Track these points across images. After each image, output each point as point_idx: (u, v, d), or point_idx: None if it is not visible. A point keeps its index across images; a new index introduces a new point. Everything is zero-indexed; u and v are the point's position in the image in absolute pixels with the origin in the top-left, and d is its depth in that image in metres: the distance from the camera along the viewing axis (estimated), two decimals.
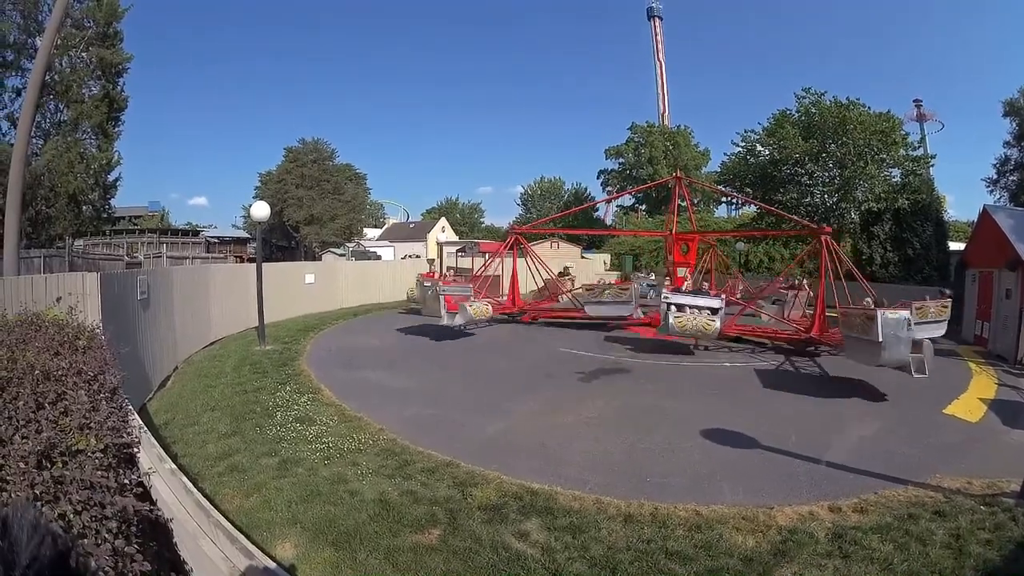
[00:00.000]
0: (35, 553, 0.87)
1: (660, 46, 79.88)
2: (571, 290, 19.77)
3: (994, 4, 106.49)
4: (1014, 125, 28.47)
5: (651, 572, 4.53)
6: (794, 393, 10.43)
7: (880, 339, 9.75)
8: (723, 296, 14.09)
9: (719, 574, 4.51)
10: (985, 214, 16.55)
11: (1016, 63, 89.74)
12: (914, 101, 53.07)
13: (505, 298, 19.08)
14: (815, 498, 5.83)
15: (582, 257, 40.27)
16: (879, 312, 9.99)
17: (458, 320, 14.71)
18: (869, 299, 11.76)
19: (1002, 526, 5.24)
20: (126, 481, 3.12)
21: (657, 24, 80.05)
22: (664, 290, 15.09)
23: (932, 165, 30.20)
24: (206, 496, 5.44)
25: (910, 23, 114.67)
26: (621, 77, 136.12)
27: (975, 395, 10.37)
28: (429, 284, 15.44)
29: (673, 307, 12.88)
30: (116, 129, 24.42)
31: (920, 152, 30.71)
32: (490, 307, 15.84)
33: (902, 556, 4.75)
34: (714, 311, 12.81)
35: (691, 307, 12.90)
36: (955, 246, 26.80)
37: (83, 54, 23.09)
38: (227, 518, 4.93)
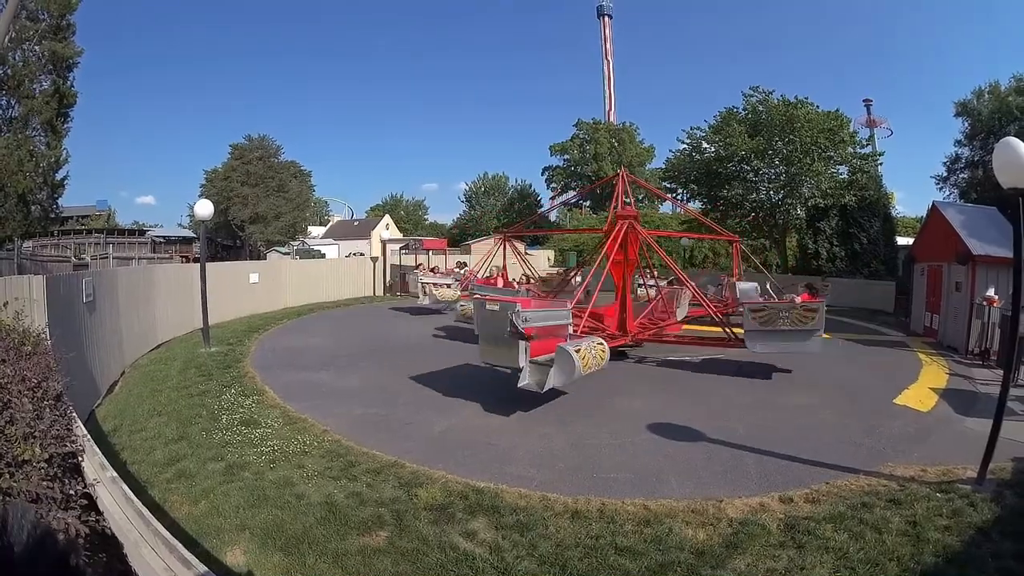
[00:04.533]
0: (35, 553, 0.85)
1: (609, 44, 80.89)
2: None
3: (949, 9, 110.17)
4: (966, 125, 29.39)
5: (601, 568, 4.50)
6: (737, 386, 10.57)
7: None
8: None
9: (671, 568, 4.49)
10: (934, 210, 17.00)
11: (969, 65, 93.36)
12: (864, 101, 54.49)
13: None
14: (765, 489, 5.87)
15: (526, 253, 40.45)
16: (475, 301, 8.99)
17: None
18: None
19: (960, 512, 5.28)
20: (71, 492, 3.03)
21: (606, 22, 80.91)
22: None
23: (880, 163, 30.84)
24: (155, 503, 5.37)
25: (866, 22, 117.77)
26: (568, 74, 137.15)
27: (926, 385, 10.58)
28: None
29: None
30: (65, 126, 23.60)
31: (868, 150, 31.29)
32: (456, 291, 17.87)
33: (858, 545, 4.76)
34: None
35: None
36: (904, 241, 27.57)
37: (36, 47, 22.31)
38: (174, 526, 4.84)
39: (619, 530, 5.07)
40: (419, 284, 18.82)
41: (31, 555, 0.85)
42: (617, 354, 11.66)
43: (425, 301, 18.67)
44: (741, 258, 18.94)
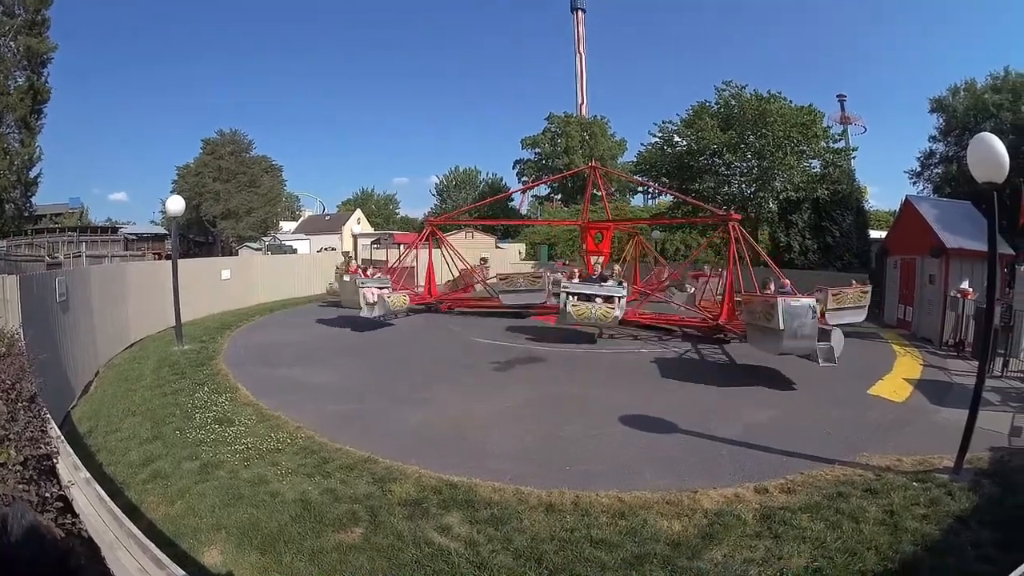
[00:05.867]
0: (37, 554, 0.83)
1: (582, 38, 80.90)
2: (485, 279, 20.68)
3: (925, 7, 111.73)
4: (941, 121, 29.78)
5: (577, 560, 4.50)
6: (710, 378, 10.60)
7: (781, 327, 9.41)
8: (624, 284, 13.94)
9: (647, 560, 4.49)
10: (908, 204, 17.26)
11: (944, 63, 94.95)
12: (837, 96, 54.78)
13: (421, 289, 20.26)
14: (740, 480, 5.89)
15: (497, 247, 40.62)
16: (779, 300, 9.64)
17: (377, 311, 15.10)
18: (774, 284, 11.67)
19: (938, 501, 5.30)
20: (47, 494, 3.00)
21: (580, 16, 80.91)
22: (563, 280, 14.68)
23: (853, 157, 30.94)
24: (131, 505, 5.29)
25: (842, 22, 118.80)
26: (542, 68, 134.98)
27: (900, 375, 10.70)
28: (349, 278, 16.05)
29: (572, 296, 12.98)
30: (39, 122, 23.20)
31: (842, 144, 31.49)
32: (407, 298, 16.74)
33: (835, 534, 4.78)
34: (610, 299, 12.94)
35: (591, 296, 13.03)
36: (877, 234, 27.85)
37: (11, 43, 21.92)
38: (151, 528, 4.79)
39: (594, 522, 5.07)
40: (359, 291, 14.82)
41: (32, 556, 0.85)
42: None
43: (368, 312, 14.79)
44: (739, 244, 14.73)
